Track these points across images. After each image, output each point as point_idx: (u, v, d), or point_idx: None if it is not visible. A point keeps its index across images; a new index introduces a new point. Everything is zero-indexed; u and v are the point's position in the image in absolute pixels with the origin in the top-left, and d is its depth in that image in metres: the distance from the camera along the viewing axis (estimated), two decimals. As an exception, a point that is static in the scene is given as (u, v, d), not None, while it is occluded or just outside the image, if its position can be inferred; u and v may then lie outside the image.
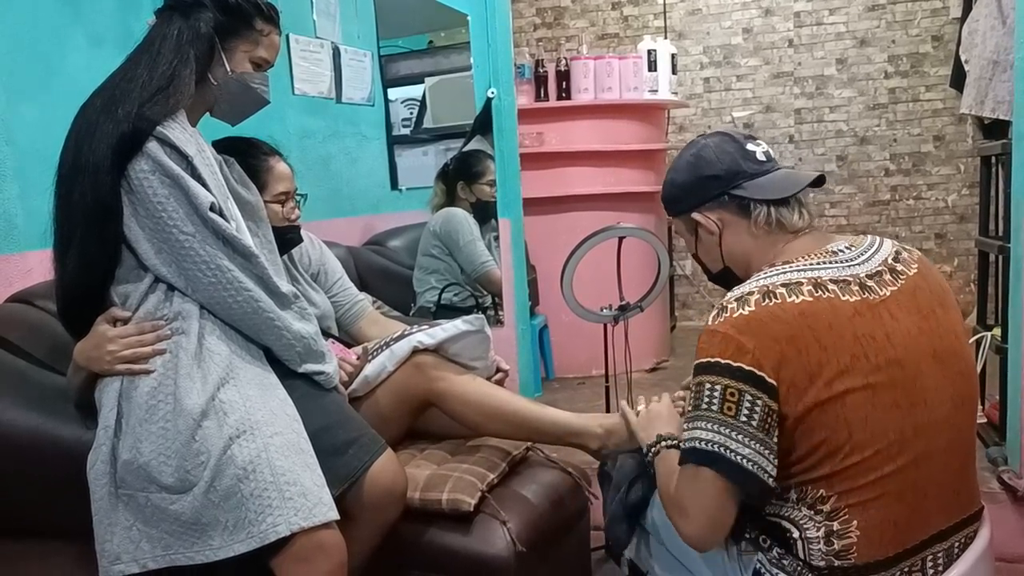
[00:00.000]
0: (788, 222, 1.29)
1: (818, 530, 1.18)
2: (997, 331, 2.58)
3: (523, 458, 1.90)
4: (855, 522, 1.16)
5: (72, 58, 2.01)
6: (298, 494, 1.34)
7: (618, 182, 3.90)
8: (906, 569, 1.20)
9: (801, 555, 1.19)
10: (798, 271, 1.21)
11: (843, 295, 1.19)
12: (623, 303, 2.38)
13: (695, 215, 1.34)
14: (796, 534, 1.19)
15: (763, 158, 1.32)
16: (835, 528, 1.17)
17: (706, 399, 1.17)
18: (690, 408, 1.20)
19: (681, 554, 1.40)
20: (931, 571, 1.22)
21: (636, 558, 1.54)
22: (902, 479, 1.17)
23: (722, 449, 1.14)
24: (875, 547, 1.17)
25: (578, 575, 2.04)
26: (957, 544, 1.25)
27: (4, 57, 1.86)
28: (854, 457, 1.15)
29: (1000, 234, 2.67)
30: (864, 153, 5.05)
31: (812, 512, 1.18)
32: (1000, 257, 2.55)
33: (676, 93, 4.25)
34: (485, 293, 3.01)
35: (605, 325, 2.41)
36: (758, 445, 1.14)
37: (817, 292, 1.18)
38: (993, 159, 2.80)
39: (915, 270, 1.27)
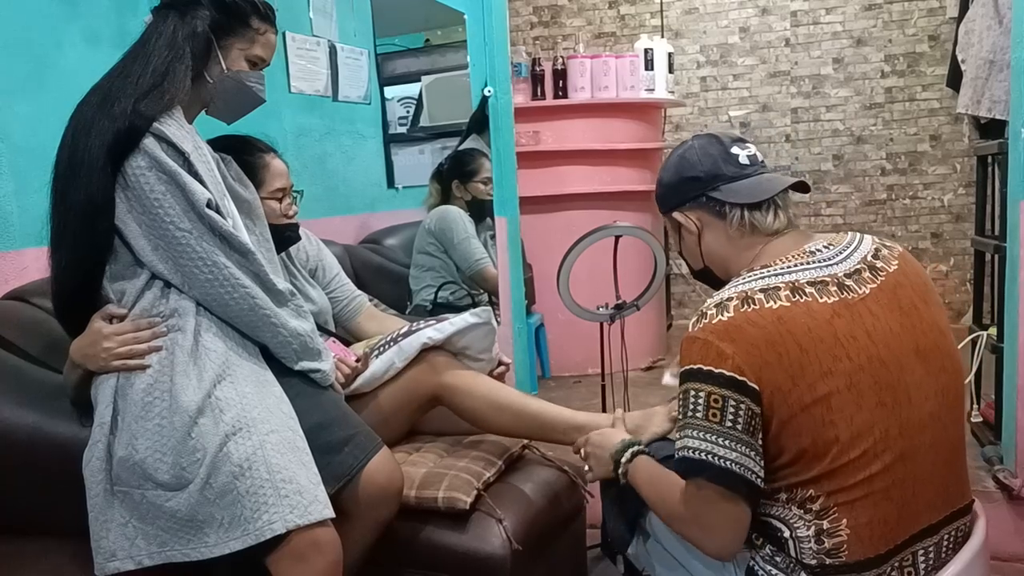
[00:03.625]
0: (762, 225, 1.30)
1: (808, 529, 1.18)
2: (993, 330, 2.58)
3: (519, 456, 1.90)
4: (844, 521, 1.17)
5: (68, 55, 2.00)
6: (294, 492, 1.34)
7: (614, 181, 3.90)
8: (897, 565, 1.20)
9: (793, 553, 1.20)
10: (775, 275, 1.22)
11: (821, 297, 1.19)
12: (619, 302, 2.38)
13: (676, 214, 1.37)
14: (787, 533, 1.20)
15: (746, 161, 1.32)
16: (825, 527, 1.17)
17: (691, 406, 1.18)
18: (679, 416, 1.21)
19: (679, 553, 1.40)
20: (922, 565, 1.23)
21: (634, 557, 1.55)
22: (890, 477, 1.17)
23: (710, 457, 1.16)
24: (865, 545, 1.17)
25: (574, 573, 2.04)
26: (947, 537, 1.25)
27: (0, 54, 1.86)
28: (842, 458, 1.15)
29: (996, 233, 2.67)
30: (860, 152, 5.06)
31: (802, 511, 1.19)
32: (996, 256, 2.55)
33: (673, 92, 4.25)
34: (481, 291, 3.01)
35: (601, 324, 2.41)
36: (744, 447, 1.15)
37: (795, 296, 1.18)
38: (989, 158, 2.80)
39: (895, 266, 1.27)
